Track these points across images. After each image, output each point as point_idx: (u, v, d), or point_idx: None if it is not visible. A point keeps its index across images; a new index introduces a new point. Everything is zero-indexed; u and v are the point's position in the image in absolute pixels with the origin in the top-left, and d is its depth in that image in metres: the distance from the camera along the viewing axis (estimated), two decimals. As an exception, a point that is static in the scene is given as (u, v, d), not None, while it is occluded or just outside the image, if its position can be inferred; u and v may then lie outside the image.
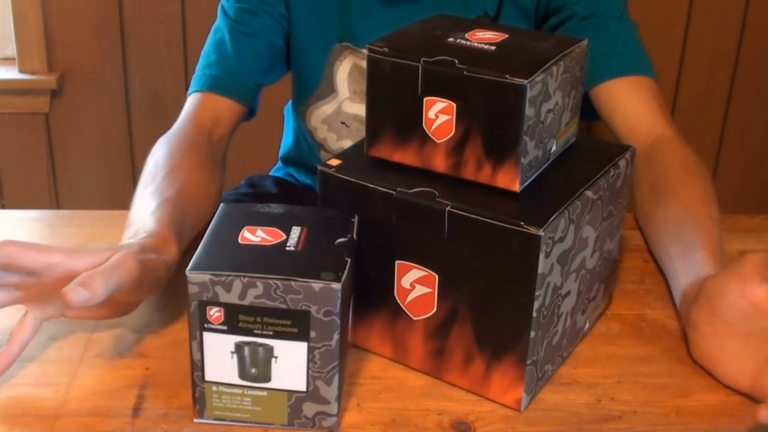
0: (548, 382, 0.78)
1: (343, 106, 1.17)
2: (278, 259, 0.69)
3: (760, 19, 2.00)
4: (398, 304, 0.76)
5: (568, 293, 0.75)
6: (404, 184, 0.73)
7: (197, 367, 0.70)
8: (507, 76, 0.69)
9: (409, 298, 0.76)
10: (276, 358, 0.69)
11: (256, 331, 0.68)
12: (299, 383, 0.70)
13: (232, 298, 0.67)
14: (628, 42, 1.07)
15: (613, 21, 1.06)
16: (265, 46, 1.13)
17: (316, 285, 0.66)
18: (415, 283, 0.75)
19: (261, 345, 0.68)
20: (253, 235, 0.71)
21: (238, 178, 1.36)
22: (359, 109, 1.16)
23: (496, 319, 0.72)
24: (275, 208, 0.76)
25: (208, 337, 0.69)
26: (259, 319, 0.67)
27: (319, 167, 0.77)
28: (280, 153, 1.39)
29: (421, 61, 0.72)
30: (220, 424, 0.71)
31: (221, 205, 0.77)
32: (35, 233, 1.00)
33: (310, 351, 0.68)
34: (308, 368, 0.69)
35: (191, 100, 1.10)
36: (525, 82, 0.68)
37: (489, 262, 0.70)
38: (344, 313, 0.69)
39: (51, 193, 2.13)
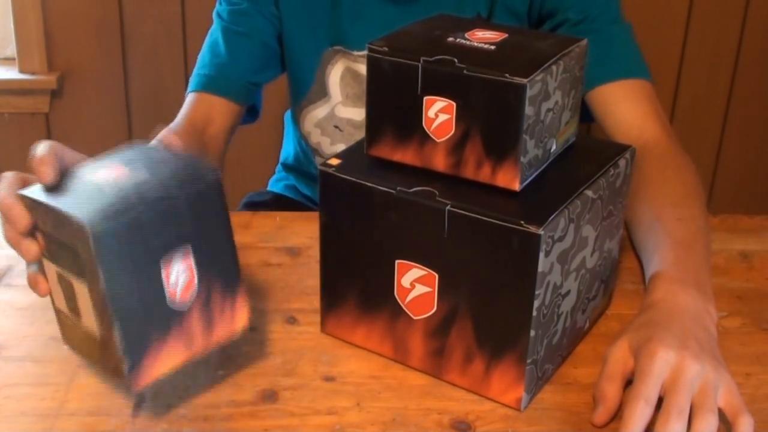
0: (548, 382, 0.77)
1: (336, 110, 1.16)
2: (84, 194, 0.64)
3: (760, 19, 2.00)
4: (398, 303, 0.76)
5: (568, 292, 0.75)
6: (404, 184, 0.73)
7: (51, 291, 0.69)
8: (507, 75, 0.69)
9: (409, 298, 0.76)
10: (77, 294, 0.65)
11: (60, 263, 0.65)
12: (93, 326, 0.65)
13: (43, 226, 0.65)
14: (622, 45, 1.07)
15: (606, 25, 1.06)
16: (259, 45, 1.13)
17: (73, 221, 0.61)
18: (415, 283, 0.75)
19: (65, 278, 0.65)
20: (108, 173, 0.66)
21: (237, 184, 1.35)
22: (352, 113, 1.16)
23: (496, 318, 0.72)
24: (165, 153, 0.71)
25: (44, 262, 0.67)
26: (59, 252, 0.64)
27: (320, 167, 0.77)
28: (281, 159, 1.39)
29: (421, 61, 0.72)
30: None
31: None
32: (35, 233, 1.00)
33: (91, 293, 0.63)
34: (95, 312, 0.64)
35: (186, 101, 1.13)
36: (525, 81, 0.68)
37: (489, 261, 0.70)
38: (112, 259, 0.62)
39: (51, 193, 2.12)
